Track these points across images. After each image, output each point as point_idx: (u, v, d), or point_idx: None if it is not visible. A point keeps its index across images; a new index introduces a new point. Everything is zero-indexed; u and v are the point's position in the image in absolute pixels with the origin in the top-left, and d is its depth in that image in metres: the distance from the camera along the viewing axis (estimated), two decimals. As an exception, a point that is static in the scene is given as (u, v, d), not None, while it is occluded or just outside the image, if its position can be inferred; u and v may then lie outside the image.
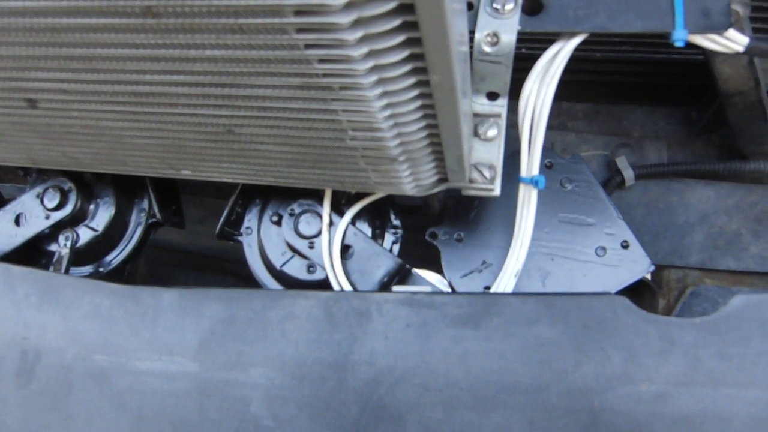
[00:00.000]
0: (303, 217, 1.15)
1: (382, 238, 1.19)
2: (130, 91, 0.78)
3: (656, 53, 1.32)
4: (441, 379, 0.88)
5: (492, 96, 0.99)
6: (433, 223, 1.20)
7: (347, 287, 1.11)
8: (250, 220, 1.20)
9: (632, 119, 1.51)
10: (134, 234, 1.27)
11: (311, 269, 1.15)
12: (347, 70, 0.67)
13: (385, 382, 0.89)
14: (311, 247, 1.14)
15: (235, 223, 1.21)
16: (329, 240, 1.13)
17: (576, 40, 0.95)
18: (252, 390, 0.91)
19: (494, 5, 0.92)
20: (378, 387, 0.89)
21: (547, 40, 0.97)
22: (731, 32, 0.92)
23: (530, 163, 1.03)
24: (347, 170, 0.92)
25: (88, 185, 1.24)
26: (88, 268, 1.27)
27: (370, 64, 0.66)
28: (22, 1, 0.65)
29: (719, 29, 0.91)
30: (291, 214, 1.16)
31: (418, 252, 1.19)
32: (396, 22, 0.61)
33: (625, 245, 1.15)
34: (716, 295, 1.37)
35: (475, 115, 0.99)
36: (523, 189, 1.06)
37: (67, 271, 1.17)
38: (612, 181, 1.41)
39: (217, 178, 1.02)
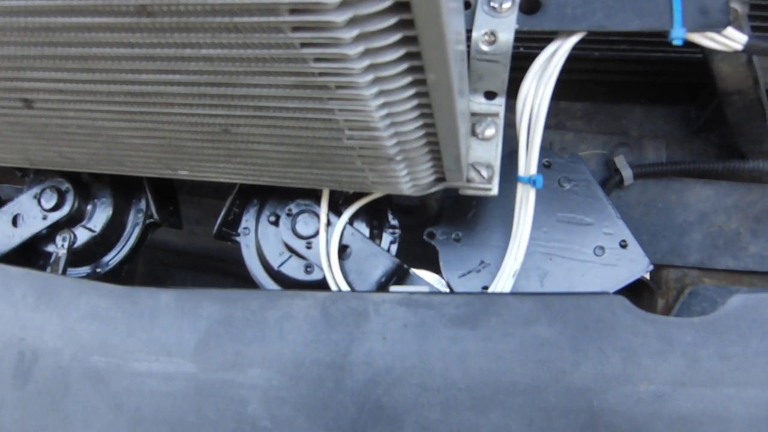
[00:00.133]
0: (300, 218, 1.14)
1: (380, 238, 1.18)
2: (126, 91, 0.78)
3: (655, 52, 1.31)
4: (439, 380, 0.88)
5: (489, 95, 0.98)
6: (431, 222, 1.20)
7: (345, 287, 1.10)
8: (247, 220, 1.20)
9: (631, 118, 1.51)
10: (132, 234, 1.27)
11: (309, 269, 1.15)
12: (343, 69, 0.66)
13: (383, 383, 0.88)
14: (309, 248, 1.14)
15: (232, 223, 1.21)
16: (327, 240, 1.13)
17: (573, 39, 0.95)
18: (249, 390, 0.91)
19: (492, 4, 0.91)
20: (376, 387, 0.88)
21: (545, 38, 0.97)
22: (730, 30, 0.91)
23: (528, 163, 1.03)
24: (344, 170, 0.91)
25: (85, 186, 1.24)
26: (85, 269, 1.26)
27: (366, 62, 0.66)
28: (16, 1, 0.65)
29: (717, 27, 0.90)
30: (288, 215, 1.15)
31: (416, 252, 1.19)
32: (392, 20, 0.61)
33: (623, 245, 1.15)
34: (715, 295, 1.37)
35: (473, 114, 0.99)
36: (521, 188, 1.06)
37: (64, 272, 1.17)
38: (610, 181, 1.41)
39: (214, 178, 1.02)
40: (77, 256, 1.23)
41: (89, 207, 1.24)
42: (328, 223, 1.13)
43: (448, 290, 1.15)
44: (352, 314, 0.92)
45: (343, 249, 1.14)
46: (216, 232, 1.19)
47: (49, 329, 0.97)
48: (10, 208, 1.21)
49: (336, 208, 1.15)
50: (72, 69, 0.75)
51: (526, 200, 1.06)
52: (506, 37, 0.90)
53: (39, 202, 1.20)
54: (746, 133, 1.32)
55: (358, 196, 1.15)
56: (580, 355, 0.86)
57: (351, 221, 1.14)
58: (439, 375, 0.88)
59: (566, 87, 1.13)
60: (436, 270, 1.18)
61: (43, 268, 1.20)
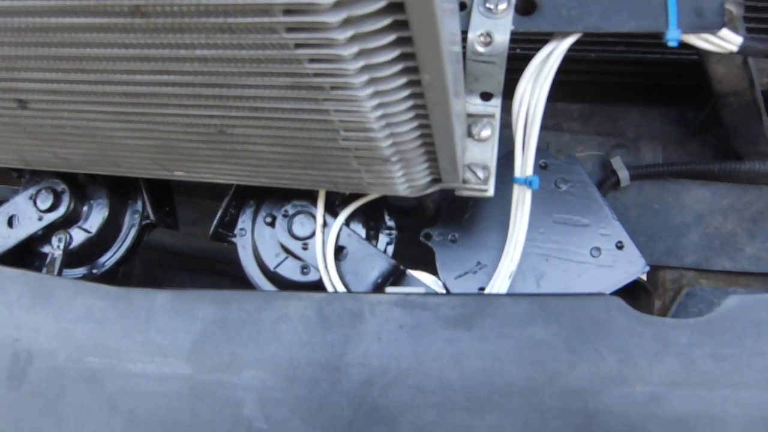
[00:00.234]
0: (297, 219, 1.14)
1: (376, 239, 1.18)
2: (121, 92, 0.78)
3: (651, 53, 1.31)
4: (434, 381, 0.87)
5: (485, 96, 0.98)
6: (427, 224, 1.20)
7: (341, 288, 1.10)
8: (243, 221, 1.20)
9: (627, 119, 1.51)
10: (128, 235, 1.27)
11: (305, 270, 1.15)
12: (338, 70, 0.66)
13: (379, 384, 0.88)
14: (305, 249, 1.14)
15: (228, 224, 1.21)
16: (323, 241, 1.12)
17: (569, 40, 0.95)
18: (245, 392, 0.90)
19: (487, 5, 0.91)
20: (371, 388, 0.88)
21: (541, 40, 0.97)
22: (725, 32, 0.91)
23: (524, 164, 1.03)
24: (340, 171, 0.91)
25: (81, 187, 1.23)
26: (81, 270, 1.26)
27: (361, 63, 0.66)
28: (9, 1, 0.65)
29: (713, 29, 0.90)
30: (285, 216, 1.15)
31: (413, 253, 1.19)
32: (386, 21, 0.61)
33: (620, 246, 1.15)
34: (712, 296, 1.37)
35: (469, 115, 0.99)
36: (517, 190, 1.06)
37: (60, 273, 1.17)
38: (607, 182, 1.41)
39: (210, 179, 1.02)
40: (73, 257, 1.23)
41: (85, 208, 1.23)
42: (325, 224, 1.13)
43: (444, 291, 1.15)
44: (347, 315, 0.92)
45: (339, 250, 1.14)
46: (212, 233, 1.19)
47: (44, 330, 0.97)
48: (6, 209, 1.21)
49: (332, 209, 1.15)
50: (66, 69, 0.75)
51: (522, 201, 1.06)
52: (502, 38, 0.90)
53: (35, 203, 1.20)
54: (742, 135, 1.32)
55: (355, 197, 1.15)
56: (576, 356, 0.86)
57: (347, 222, 1.14)
58: (434, 376, 0.88)
59: (563, 88, 1.13)
60: (433, 271, 1.18)
61: (38, 269, 1.20)
